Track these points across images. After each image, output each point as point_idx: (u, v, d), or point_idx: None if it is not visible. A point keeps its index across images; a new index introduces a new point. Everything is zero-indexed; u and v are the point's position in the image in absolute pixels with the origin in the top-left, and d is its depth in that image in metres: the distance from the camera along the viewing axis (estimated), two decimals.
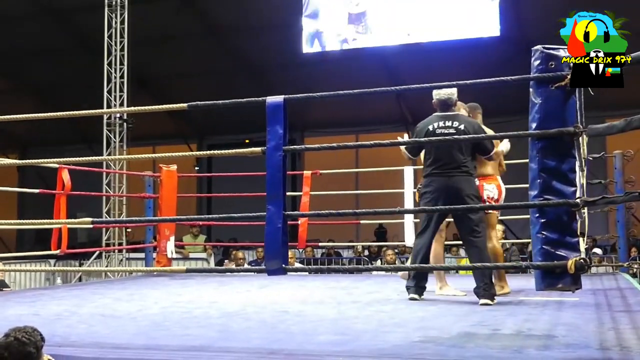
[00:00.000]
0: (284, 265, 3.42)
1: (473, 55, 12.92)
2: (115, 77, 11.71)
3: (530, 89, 3.11)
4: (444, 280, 5.38)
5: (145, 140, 15.91)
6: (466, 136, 4.81)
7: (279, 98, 3.47)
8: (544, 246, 3.02)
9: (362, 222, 10.66)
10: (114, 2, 11.86)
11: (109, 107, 11.54)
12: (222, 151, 4.04)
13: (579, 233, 3.06)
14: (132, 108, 8.79)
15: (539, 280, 3.08)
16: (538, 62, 3.09)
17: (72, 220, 5.80)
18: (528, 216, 3.28)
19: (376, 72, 13.89)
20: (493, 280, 4.90)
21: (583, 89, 3.07)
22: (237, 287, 6.29)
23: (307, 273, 8.01)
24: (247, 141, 15.37)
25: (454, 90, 4.99)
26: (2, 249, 16.88)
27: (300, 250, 10.71)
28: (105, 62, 11.76)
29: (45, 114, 4.44)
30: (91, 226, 6.49)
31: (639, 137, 5.96)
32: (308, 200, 7.95)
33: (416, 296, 4.94)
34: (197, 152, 16.64)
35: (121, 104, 11.58)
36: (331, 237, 12.53)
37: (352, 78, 12.81)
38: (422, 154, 5.20)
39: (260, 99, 3.54)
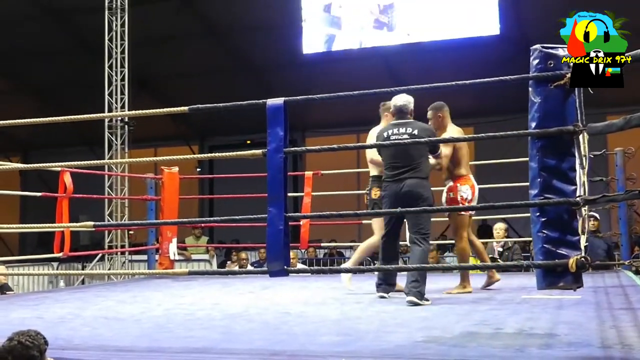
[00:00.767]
0: (285, 267, 3.43)
1: (473, 54, 12.92)
2: (116, 80, 11.73)
3: (530, 88, 3.11)
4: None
5: (146, 142, 15.92)
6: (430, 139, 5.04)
7: (279, 100, 3.47)
8: (544, 245, 3.03)
9: (364, 222, 10.66)
10: (114, 5, 11.87)
11: (110, 109, 11.55)
12: (223, 154, 4.07)
13: (579, 231, 3.07)
14: (134, 112, 8.81)
15: (540, 279, 3.09)
16: (537, 61, 3.10)
17: (74, 224, 5.80)
18: (530, 214, 3.28)
19: (377, 72, 13.89)
20: (417, 278, 4.88)
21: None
22: (240, 288, 6.29)
23: (309, 274, 8.02)
24: (248, 142, 15.36)
25: (411, 99, 5.20)
26: (5, 252, 16.89)
27: (303, 250, 10.71)
28: (106, 65, 11.78)
29: (47, 119, 4.45)
30: (93, 229, 6.49)
31: None
32: (310, 201, 7.96)
33: (385, 295, 5.16)
34: (199, 155, 16.66)
35: (122, 107, 11.60)
36: (333, 237, 12.54)
37: (353, 78, 12.82)
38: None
39: (260, 101, 3.55)
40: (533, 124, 3.09)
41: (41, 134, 16.98)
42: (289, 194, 3.71)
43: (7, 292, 7.75)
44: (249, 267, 9.56)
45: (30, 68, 15.83)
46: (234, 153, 3.90)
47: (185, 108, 3.89)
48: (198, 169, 17.34)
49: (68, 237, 6.56)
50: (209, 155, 16.30)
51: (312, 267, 9.78)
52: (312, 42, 14.22)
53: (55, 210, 6.45)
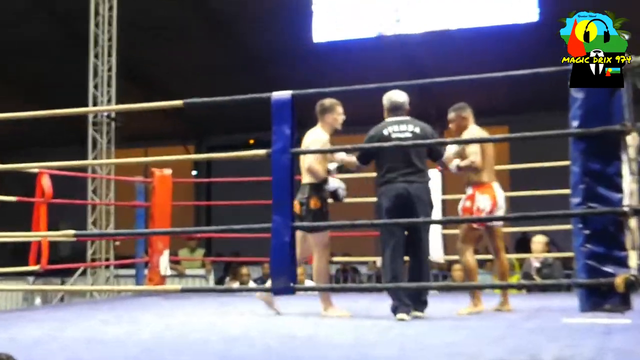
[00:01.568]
0: (292, 284, 3.43)
1: (507, 43, 12.89)
2: (102, 71, 11.77)
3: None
4: (328, 301, 5.70)
5: (136, 141, 15.98)
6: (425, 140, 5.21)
7: (286, 94, 3.48)
8: (588, 261, 3.02)
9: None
10: None
11: (95, 104, 11.58)
12: (223, 154, 4.08)
13: (628, 246, 3.05)
14: (122, 106, 8.84)
15: (584, 300, 3.07)
16: None
17: (53, 232, 5.83)
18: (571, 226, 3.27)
19: (397, 63, 13.89)
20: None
21: (632, 82, 3.07)
22: (240, 308, 6.30)
23: (319, 292, 7.99)
24: (251, 142, 15.39)
25: (406, 95, 5.41)
26: None
27: (312, 265, 10.69)
28: (92, 54, 11.80)
29: (23, 114, 4.48)
30: (74, 239, 6.52)
31: None
32: None
33: (406, 316, 5.17)
34: (195, 156, 16.70)
35: (109, 101, 11.64)
36: (347, 250, 12.51)
37: (369, 70, 12.83)
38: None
39: (265, 95, 3.56)
40: (575, 123, 3.08)
41: (20, 131, 17.06)
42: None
43: None
44: (251, 284, 9.55)
45: (6, 57, 15.93)
46: (235, 154, 3.91)
47: (181, 102, 3.90)
48: (194, 172, 17.39)
49: (46, 247, 6.58)
50: (207, 155, 16.32)
51: (323, 285, 9.78)
52: (323, 29, 14.23)
53: (32, 217, 6.48)
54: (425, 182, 5.28)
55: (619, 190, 3.04)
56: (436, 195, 7.44)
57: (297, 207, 5.27)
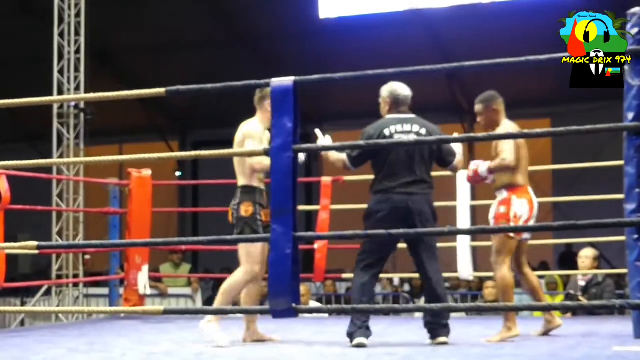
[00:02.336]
0: (294, 305, 3.43)
1: (549, 19, 12.86)
2: (69, 53, 11.78)
3: (625, 67, 3.11)
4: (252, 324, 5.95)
5: (109, 136, 15.99)
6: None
7: (287, 80, 3.49)
8: None
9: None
10: None
11: (60, 91, 11.59)
12: (212, 151, 4.08)
13: None
14: (93, 95, 8.82)
15: (638, 324, 3.07)
16: (637, 29, 3.10)
17: (11, 244, 5.82)
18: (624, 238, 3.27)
19: (419, 43, 13.88)
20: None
21: None
22: (233, 333, 6.30)
23: (326, 315, 7.99)
24: None
25: (409, 88, 5.47)
26: None
27: (318, 284, 10.70)
28: (56, 33, 11.80)
29: None
30: (37, 252, 6.52)
31: None
32: (328, 217, 7.95)
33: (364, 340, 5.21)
34: (179, 154, 16.68)
35: (77, 88, 11.64)
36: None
37: (386, 52, 12.82)
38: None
39: (262, 81, 3.57)
40: (630, 115, 3.09)
41: None
42: (300, 207, 3.72)
43: None
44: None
45: None
46: (226, 151, 3.91)
47: (162, 90, 3.91)
48: (178, 173, 17.39)
49: (3, 262, 6.60)
50: (193, 153, 16.10)
51: (329, 306, 9.78)
52: (331, 3, 14.24)
53: None
54: (428, 193, 5.31)
55: None
56: (464, 202, 7.44)
57: (230, 214, 5.59)
